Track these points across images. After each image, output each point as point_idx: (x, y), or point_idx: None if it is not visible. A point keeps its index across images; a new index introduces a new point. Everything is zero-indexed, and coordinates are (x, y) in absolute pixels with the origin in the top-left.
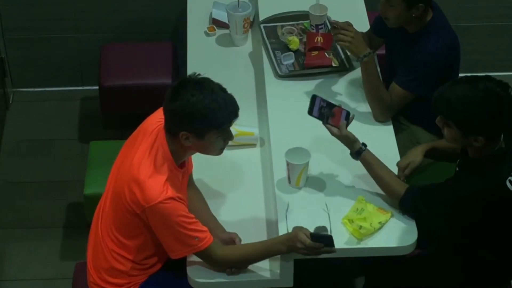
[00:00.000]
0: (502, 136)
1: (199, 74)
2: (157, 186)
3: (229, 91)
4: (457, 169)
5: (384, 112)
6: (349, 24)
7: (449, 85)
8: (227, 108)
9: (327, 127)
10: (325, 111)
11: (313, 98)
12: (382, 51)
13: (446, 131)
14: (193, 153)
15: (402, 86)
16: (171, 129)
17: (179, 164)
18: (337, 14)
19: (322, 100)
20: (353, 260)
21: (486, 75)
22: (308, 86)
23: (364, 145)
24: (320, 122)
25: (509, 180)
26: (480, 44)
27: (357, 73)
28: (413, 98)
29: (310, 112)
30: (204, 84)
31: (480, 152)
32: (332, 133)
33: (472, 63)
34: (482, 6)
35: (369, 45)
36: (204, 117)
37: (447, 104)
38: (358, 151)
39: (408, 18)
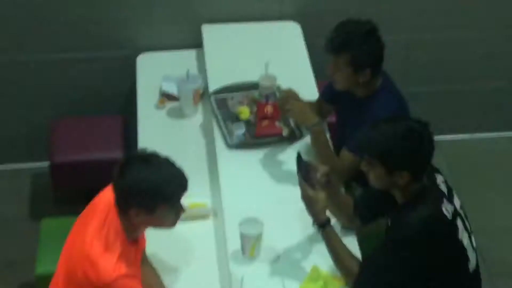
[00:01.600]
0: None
1: (146, 149)
2: (110, 264)
3: (180, 163)
4: (388, 223)
5: (337, 177)
6: (295, 94)
7: (372, 126)
8: (176, 183)
9: (304, 186)
10: (303, 171)
11: (298, 156)
12: (332, 118)
13: (371, 174)
14: (146, 228)
15: (351, 151)
16: (121, 206)
17: (132, 239)
18: (286, 84)
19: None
20: None
21: (405, 115)
22: (260, 155)
23: (329, 219)
24: (273, 191)
25: (444, 208)
26: (429, 108)
27: (308, 141)
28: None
29: (299, 170)
30: (150, 160)
31: (406, 192)
32: (308, 195)
33: None
34: (428, 71)
35: (319, 113)
36: (153, 193)
37: (370, 141)
38: (324, 223)
39: (355, 82)
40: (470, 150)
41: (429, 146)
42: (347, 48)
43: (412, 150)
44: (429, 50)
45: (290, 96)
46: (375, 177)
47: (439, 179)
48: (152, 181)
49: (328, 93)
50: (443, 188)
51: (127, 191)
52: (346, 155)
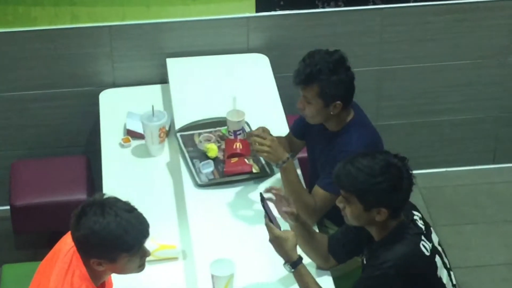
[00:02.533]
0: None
1: (103, 195)
2: None
3: (147, 203)
4: (364, 261)
5: (309, 216)
6: (264, 130)
7: (349, 160)
8: (135, 230)
9: (270, 228)
10: (269, 212)
11: (261, 197)
12: (304, 154)
13: (347, 210)
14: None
15: (324, 188)
16: (81, 255)
17: (98, 285)
18: (255, 119)
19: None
20: None
21: (383, 150)
22: (229, 194)
23: (300, 257)
24: (244, 231)
25: (422, 245)
26: (403, 141)
27: (279, 178)
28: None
29: (264, 210)
30: (106, 208)
31: (384, 229)
32: (275, 235)
33: None
34: (400, 104)
35: (289, 149)
36: (111, 244)
37: (347, 177)
38: (295, 262)
39: (326, 115)
40: (446, 184)
41: (408, 182)
42: (315, 79)
43: (391, 187)
44: (400, 81)
45: (259, 134)
46: (351, 214)
47: (416, 215)
48: (110, 231)
49: (298, 127)
50: (421, 224)
51: (84, 242)
52: (319, 192)
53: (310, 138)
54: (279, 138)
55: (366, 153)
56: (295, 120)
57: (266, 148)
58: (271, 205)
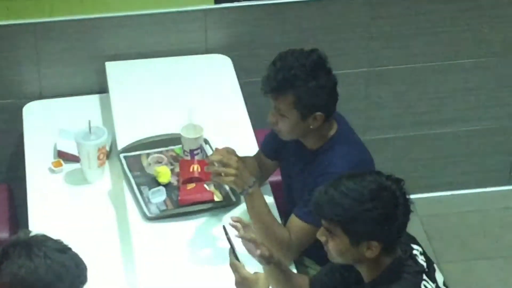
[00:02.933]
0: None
1: (29, 232)
2: None
3: (83, 242)
4: None
5: (284, 254)
6: (229, 152)
7: (331, 183)
8: (70, 275)
9: (237, 267)
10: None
11: (225, 230)
12: (278, 177)
13: (331, 244)
14: None
15: (302, 219)
16: None
17: None
18: (216, 135)
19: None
20: None
21: (372, 170)
22: (186, 228)
23: None
24: (203, 272)
25: (424, 286)
26: (396, 160)
27: (245, 208)
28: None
29: (230, 246)
30: (34, 249)
31: (376, 267)
32: (243, 277)
33: None
34: (394, 113)
35: (259, 171)
36: None
37: (330, 203)
38: None
39: (304, 130)
40: (451, 211)
41: (404, 209)
42: (290, 87)
43: (384, 215)
44: (394, 85)
45: (223, 158)
46: (336, 249)
47: (416, 250)
48: (38, 277)
49: (269, 145)
50: (422, 261)
51: None
52: (296, 223)
53: (284, 158)
54: (246, 158)
55: (352, 174)
56: (266, 136)
57: (232, 172)
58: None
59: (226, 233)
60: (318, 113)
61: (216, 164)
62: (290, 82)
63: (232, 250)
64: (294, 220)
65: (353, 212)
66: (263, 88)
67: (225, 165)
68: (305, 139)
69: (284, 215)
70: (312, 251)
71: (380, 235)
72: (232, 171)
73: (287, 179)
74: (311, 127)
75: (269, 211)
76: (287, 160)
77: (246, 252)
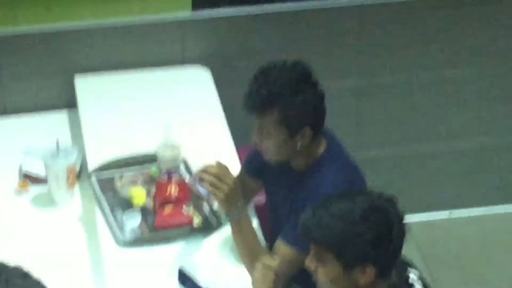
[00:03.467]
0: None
1: None
2: None
3: (51, 269)
4: None
5: (268, 283)
6: (222, 167)
7: (320, 204)
8: None
9: None
10: None
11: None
12: (262, 197)
13: (321, 272)
14: None
15: (289, 244)
16: None
17: None
18: (195, 154)
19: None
20: None
21: (362, 189)
22: (162, 254)
23: None
24: None
25: None
26: (390, 179)
27: (228, 232)
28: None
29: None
30: None
31: None
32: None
33: None
34: (387, 129)
35: (242, 192)
36: None
37: (319, 226)
38: None
39: (292, 149)
40: (450, 233)
41: (399, 229)
42: (275, 103)
43: (377, 237)
44: (386, 98)
45: (218, 171)
46: (326, 276)
47: (413, 275)
48: None
49: (253, 164)
50: (419, 286)
51: None
52: (283, 249)
53: (270, 178)
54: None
55: (341, 194)
56: (249, 154)
57: (225, 189)
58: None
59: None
60: (306, 129)
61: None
62: (274, 98)
63: None
64: (281, 245)
65: (344, 235)
66: (246, 106)
67: (220, 179)
68: (293, 159)
69: (270, 238)
70: (301, 278)
71: (375, 258)
72: (226, 188)
73: (273, 201)
74: (298, 144)
75: (256, 237)
76: (272, 181)
77: None
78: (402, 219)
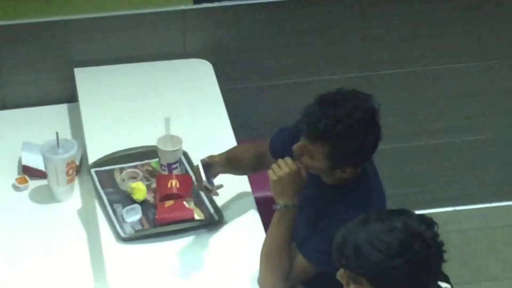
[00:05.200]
0: None
1: None
2: None
3: (50, 265)
4: None
5: (276, 283)
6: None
7: (356, 226)
8: None
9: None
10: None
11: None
12: (264, 193)
13: None
14: None
15: (306, 258)
16: None
17: None
18: (196, 148)
19: None
20: None
21: (402, 209)
22: (164, 250)
23: None
24: None
25: None
26: (393, 174)
27: (230, 227)
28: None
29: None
30: None
31: None
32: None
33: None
34: (390, 122)
35: (256, 161)
36: None
37: (355, 254)
38: None
39: (330, 176)
40: (453, 228)
41: (436, 258)
42: (331, 139)
43: (414, 271)
44: (389, 91)
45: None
46: None
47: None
48: None
49: (281, 144)
50: None
51: None
52: (300, 261)
53: None
54: (246, 146)
55: (379, 216)
56: (279, 134)
57: (282, 173)
58: None
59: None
60: (348, 168)
61: None
62: (332, 136)
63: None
64: (297, 255)
65: (380, 268)
66: (298, 127)
67: (280, 163)
68: (325, 177)
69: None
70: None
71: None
72: (282, 172)
73: None
74: (336, 176)
75: (289, 238)
76: None
77: None
78: (441, 247)
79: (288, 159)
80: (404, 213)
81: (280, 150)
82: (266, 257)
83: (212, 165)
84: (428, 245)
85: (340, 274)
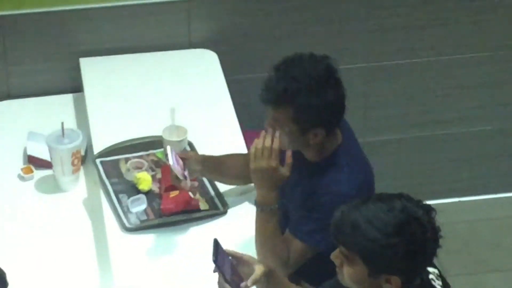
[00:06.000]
0: None
1: None
2: None
3: (58, 255)
4: None
5: (280, 270)
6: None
7: (356, 205)
8: None
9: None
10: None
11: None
12: None
13: (346, 270)
14: None
15: (301, 239)
16: None
17: None
18: (201, 138)
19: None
20: None
21: (402, 193)
22: (169, 239)
23: None
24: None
25: None
26: (397, 164)
27: (235, 217)
28: (316, 253)
29: (215, 259)
30: None
31: None
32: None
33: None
34: (395, 113)
35: (246, 171)
36: None
37: (353, 231)
38: None
39: (304, 143)
40: (459, 219)
41: (432, 243)
42: (290, 100)
43: (410, 251)
44: (395, 82)
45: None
46: (351, 276)
47: (432, 273)
48: None
49: None
50: (438, 286)
51: None
52: (295, 245)
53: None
54: (233, 155)
55: (380, 196)
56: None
57: (264, 163)
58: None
59: (217, 248)
60: (319, 130)
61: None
62: (291, 96)
63: (219, 269)
64: (291, 239)
65: (376, 245)
66: (261, 97)
67: (264, 153)
68: (305, 152)
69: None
70: (308, 271)
71: (403, 270)
72: (264, 163)
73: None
74: (310, 142)
75: (278, 228)
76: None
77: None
78: (437, 232)
79: (268, 140)
80: (404, 196)
81: None
82: (262, 249)
83: (187, 160)
84: (425, 229)
85: (335, 255)
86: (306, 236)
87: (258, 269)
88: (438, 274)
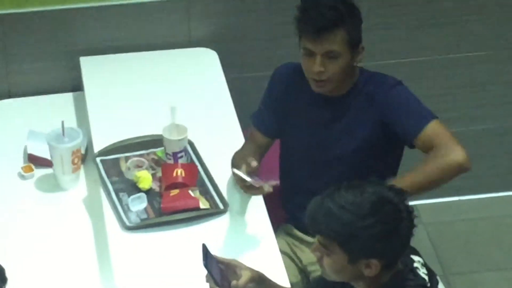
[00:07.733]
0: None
1: None
2: None
3: (58, 254)
4: None
5: (458, 150)
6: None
7: (328, 193)
8: None
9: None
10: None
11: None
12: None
13: (326, 261)
14: None
15: (432, 118)
16: None
17: None
18: (202, 136)
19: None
20: None
21: (371, 179)
22: (169, 238)
23: None
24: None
25: None
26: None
27: (235, 216)
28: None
29: (205, 263)
30: None
31: (374, 284)
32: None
33: None
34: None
35: (259, 155)
36: None
37: (327, 217)
38: None
39: (350, 66)
40: (459, 218)
41: (408, 223)
42: (340, 24)
43: (386, 231)
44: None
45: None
46: (331, 266)
47: (417, 262)
48: None
49: (269, 122)
50: (423, 274)
51: None
52: (433, 129)
53: (293, 127)
54: (243, 150)
55: (351, 184)
56: (258, 114)
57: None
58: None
59: (206, 254)
60: (361, 45)
61: None
62: (340, 18)
63: (211, 275)
64: (428, 130)
65: (352, 228)
66: (305, 30)
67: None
68: (341, 83)
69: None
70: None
71: (381, 253)
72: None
73: (305, 138)
74: (355, 63)
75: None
76: (300, 126)
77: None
78: (411, 213)
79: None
80: (374, 181)
81: (269, 126)
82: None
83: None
84: (398, 209)
85: (314, 248)
86: (430, 114)
87: (245, 275)
88: (423, 263)
